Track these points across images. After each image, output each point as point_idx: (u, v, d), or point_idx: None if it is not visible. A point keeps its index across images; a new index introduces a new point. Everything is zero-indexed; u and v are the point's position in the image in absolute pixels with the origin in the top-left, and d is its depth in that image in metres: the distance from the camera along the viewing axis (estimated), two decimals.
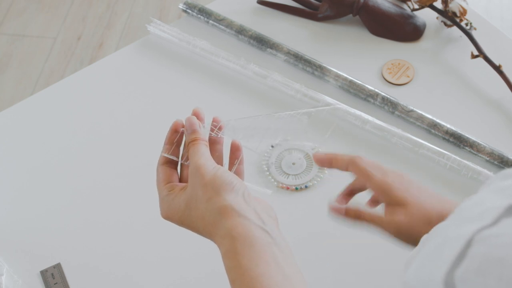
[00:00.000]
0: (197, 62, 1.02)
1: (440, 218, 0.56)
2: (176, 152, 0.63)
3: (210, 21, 1.06)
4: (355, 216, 0.65)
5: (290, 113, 0.64)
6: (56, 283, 0.80)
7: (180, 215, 0.59)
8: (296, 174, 0.89)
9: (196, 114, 0.64)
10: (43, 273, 0.81)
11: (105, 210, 0.87)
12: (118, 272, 0.82)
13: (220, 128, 0.64)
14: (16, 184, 0.90)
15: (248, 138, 0.64)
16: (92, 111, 0.97)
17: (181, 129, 0.63)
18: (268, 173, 0.89)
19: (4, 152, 0.93)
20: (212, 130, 0.64)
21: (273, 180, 0.88)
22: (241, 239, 0.54)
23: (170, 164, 0.63)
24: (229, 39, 1.05)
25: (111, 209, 0.87)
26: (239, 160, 0.64)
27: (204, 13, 1.06)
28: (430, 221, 0.59)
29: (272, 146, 0.91)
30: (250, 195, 0.58)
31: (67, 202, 0.88)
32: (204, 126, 0.63)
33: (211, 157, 0.60)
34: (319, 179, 0.88)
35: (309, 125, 0.65)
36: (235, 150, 0.64)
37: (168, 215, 0.61)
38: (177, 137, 0.63)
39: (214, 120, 0.64)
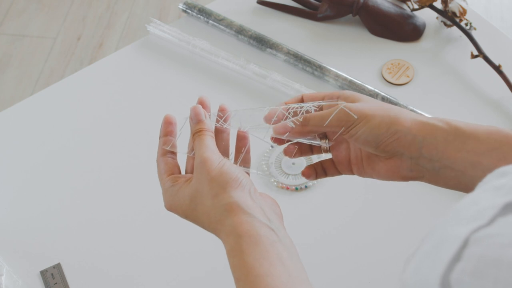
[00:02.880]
0: (197, 62, 1.02)
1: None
2: (174, 144, 0.62)
3: (210, 21, 1.06)
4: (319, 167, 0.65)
5: (296, 105, 0.63)
6: (56, 283, 0.80)
7: (184, 209, 0.58)
8: (296, 174, 0.89)
9: (201, 102, 0.63)
10: (43, 273, 0.81)
11: (105, 210, 0.87)
12: (118, 272, 0.82)
13: (226, 119, 0.63)
14: (16, 184, 0.90)
15: (255, 128, 0.64)
16: (92, 111, 0.97)
17: (184, 118, 0.62)
18: (268, 173, 0.89)
19: (4, 152, 0.93)
20: (217, 120, 0.63)
21: (273, 180, 0.88)
22: (247, 237, 0.53)
23: (171, 155, 0.62)
24: (229, 39, 1.05)
25: (111, 209, 0.87)
26: (246, 148, 0.63)
27: (204, 13, 1.06)
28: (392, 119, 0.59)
29: (272, 146, 0.91)
30: (256, 191, 0.57)
31: (67, 202, 0.88)
32: (209, 116, 0.62)
33: (216, 149, 0.59)
34: (318, 179, 0.88)
35: None
36: (241, 139, 0.63)
37: (172, 207, 0.60)
38: (173, 128, 0.62)
39: (220, 109, 0.63)
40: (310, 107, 0.62)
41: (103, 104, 0.98)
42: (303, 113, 0.62)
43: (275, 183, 0.88)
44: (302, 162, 0.89)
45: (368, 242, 0.83)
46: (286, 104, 0.64)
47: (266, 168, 0.89)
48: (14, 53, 2.06)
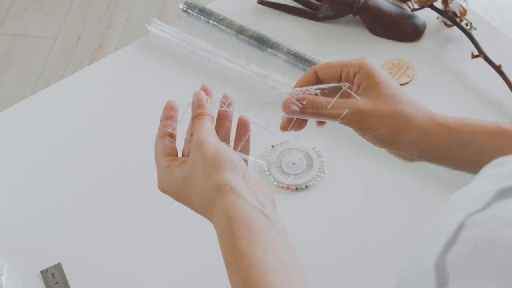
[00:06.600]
0: (197, 62, 1.02)
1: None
2: (175, 127, 0.62)
3: (210, 21, 1.06)
4: (313, 107, 0.62)
5: (302, 89, 0.63)
6: (57, 282, 0.80)
7: (177, 189, 0.58)
8: (296, 174, 0.89)
9: (204, 89, 0.63)
10: (43, 273, 0.81)
11: (105, 210, 0.87)
12: (118, 272, 0.82)
13: (229, 105, 0.63)
14: (16, 184, 0.90)
15: (258, 115, 0.64)
16: (92, 111, 0.97)
17: (186, 104, 0.62)
18: (268, 173, 0.89)
19: (4, 152, 0.93)
20: (221, 106, 0.63)
21: (273, 180, 0.88)
22: (239, 220, 0.53)
23: (169, 138, 0.62)
24: (229, 39, 1.05)
25: (111, 209, 0.87)
26: (246, 136, 0.63)
27: (204, 13, 1.06)
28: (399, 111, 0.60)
29: (272, 146, 0.91)
30: (249, 177, 0.57)
31: (67, 201, 0.88)
32: (211, 102, 0.62)
33: (215, 133, 0.59)
34: (319, 179, 0.88)
35: None
36: (242, 126, 0.63)
37: (165, 187, 0.60)
38: (174, 113, 0.63)
39: (224, 97, 0.63)
40: (316, 91, 0.63)
41: (103, 104, 0.98)
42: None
43: (275, 183, 0.88)
44: (303, 162, 0.89)
45: (368, 242, 0.83)
46: (294, 88, 0.64)
47: (266, 168, 0.89)
48: (14, 53, 2.06)
